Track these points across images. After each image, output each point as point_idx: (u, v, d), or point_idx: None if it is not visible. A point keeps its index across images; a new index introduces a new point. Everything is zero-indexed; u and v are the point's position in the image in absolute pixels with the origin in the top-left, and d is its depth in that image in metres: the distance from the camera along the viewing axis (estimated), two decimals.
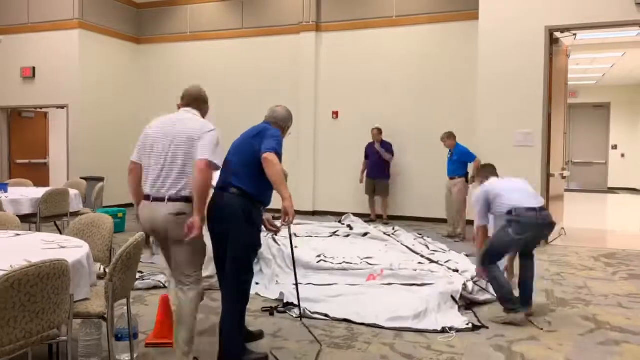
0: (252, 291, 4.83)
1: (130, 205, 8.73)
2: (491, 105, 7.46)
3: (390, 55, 9.49)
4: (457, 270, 5.40)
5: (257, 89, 10.34)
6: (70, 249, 2.98)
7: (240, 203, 3.14)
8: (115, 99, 10.89)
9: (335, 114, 9.89)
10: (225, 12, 10.65)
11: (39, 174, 10.61)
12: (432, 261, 5.77)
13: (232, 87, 10.52)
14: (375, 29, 9.56)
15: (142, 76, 11.30)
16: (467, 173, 7.65)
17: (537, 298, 4.60)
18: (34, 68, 10.32)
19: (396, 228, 7.95)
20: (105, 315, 2.75)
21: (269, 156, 3.06)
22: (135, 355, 3.19)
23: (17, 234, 3.45)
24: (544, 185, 7.25)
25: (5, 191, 6.07)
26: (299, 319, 4.05)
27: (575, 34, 7.68)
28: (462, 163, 7.65)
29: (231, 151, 3.36)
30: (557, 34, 7.36)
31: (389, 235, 7.29)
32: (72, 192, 6.51)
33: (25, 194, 5.99)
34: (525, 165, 7.26)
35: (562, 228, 8.09)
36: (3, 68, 10.55)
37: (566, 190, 9.65)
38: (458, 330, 3.79)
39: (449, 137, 7.79)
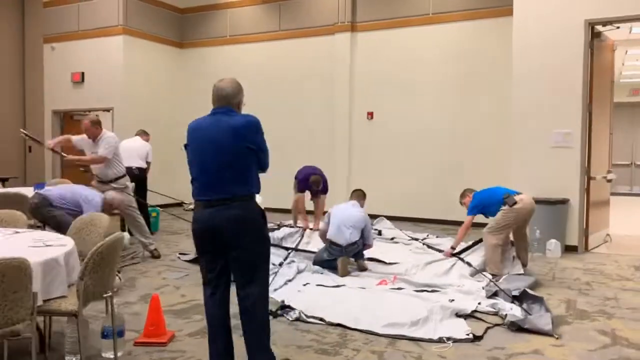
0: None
1: (168, 205, 8.99)
2: (527, 104, 7.08)
3: (425, 53, 9.23)
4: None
5: (293, 90, 10.39)
6: (54, 247, 3.07)
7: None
8: (158, 102, 11.22)
9: (370, 115, 9.74)
10: (263, 15, 10.74)
11: (87, 173, 11.08)
12: (461, 259, 5.58)
13: (269, 88, 10.59)
14: (411, 27, 9.33)
15: (184, 79, 11.58)
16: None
17: (556, 309, 4.33)
18: (83, 73, 10.81)
19: (427, 233, 7.75)
20: (77, 314, 2.81)
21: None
22: (119, 354, 3.24)
23: (17, 232, 3.59)
24: (583, 188, 6.82)
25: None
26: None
27: (631, 27, 7.17)
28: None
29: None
30: (599, 27, 6.91)
31: (416, 240, 7.14)
32: None
33: None
34: (562, 167, 6.87)
35: (608, 234, 7.59)
36: (56, 74, 11.14)
37: (614, 194, 9.04)
38: (456, 340, 3.60)
39: (463, 196, 6.02)
